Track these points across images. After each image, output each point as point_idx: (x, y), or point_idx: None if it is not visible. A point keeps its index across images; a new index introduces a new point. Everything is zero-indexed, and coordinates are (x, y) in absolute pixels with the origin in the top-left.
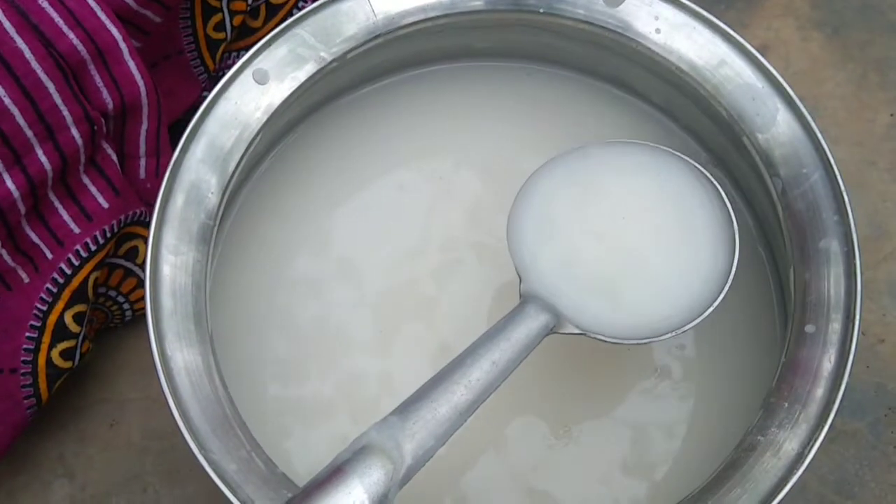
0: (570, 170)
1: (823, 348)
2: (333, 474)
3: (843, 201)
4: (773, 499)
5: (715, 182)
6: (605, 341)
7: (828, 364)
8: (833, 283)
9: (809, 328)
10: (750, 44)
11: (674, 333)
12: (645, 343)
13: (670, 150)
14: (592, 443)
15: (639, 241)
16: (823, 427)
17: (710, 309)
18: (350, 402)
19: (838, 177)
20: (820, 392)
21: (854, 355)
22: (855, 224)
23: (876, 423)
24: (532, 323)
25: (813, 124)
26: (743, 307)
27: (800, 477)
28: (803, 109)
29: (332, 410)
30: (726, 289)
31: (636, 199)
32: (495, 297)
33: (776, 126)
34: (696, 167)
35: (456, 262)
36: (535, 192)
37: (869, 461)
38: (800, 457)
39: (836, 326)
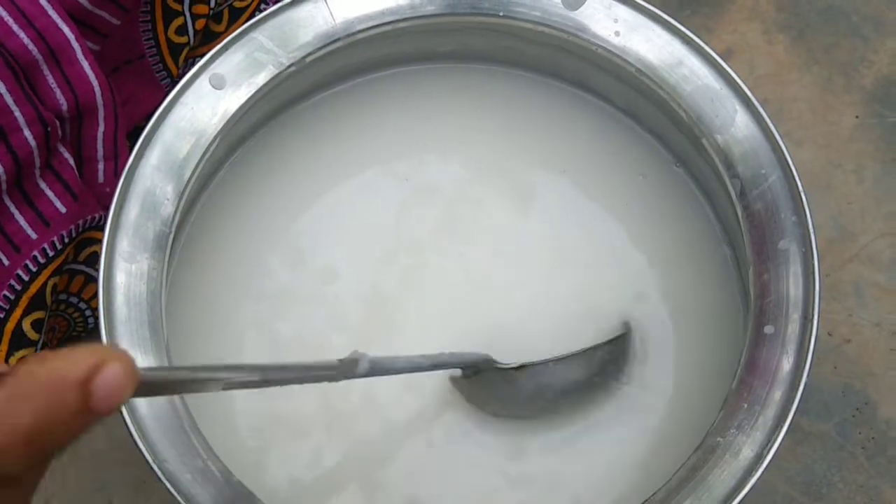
0: None
1: (782, 349)
2: None
3: (801, 202)
4: (731, 502)
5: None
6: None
7: (786, 365)
8: (791, 283)
9: (768, 329)
10: (716, 48)
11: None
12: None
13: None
14: (559, 446)
15: None
16: (781, 429)
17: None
18: (326, 417)
19: (796, 178)
20: (778, 394)
21: (812, 356)
22: (813, 225)
23: (843, 424)
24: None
25: (771, 125)
26: (707, 309)
27: (764, 479)
28: (762, 111)
29: (305, 420)
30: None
31: None
32: (462, 304)
33: (735, 127)
34: None
35: (425, 267)
36: None
37: (837, 462)
38: (758, 459)
39: (794, 327)
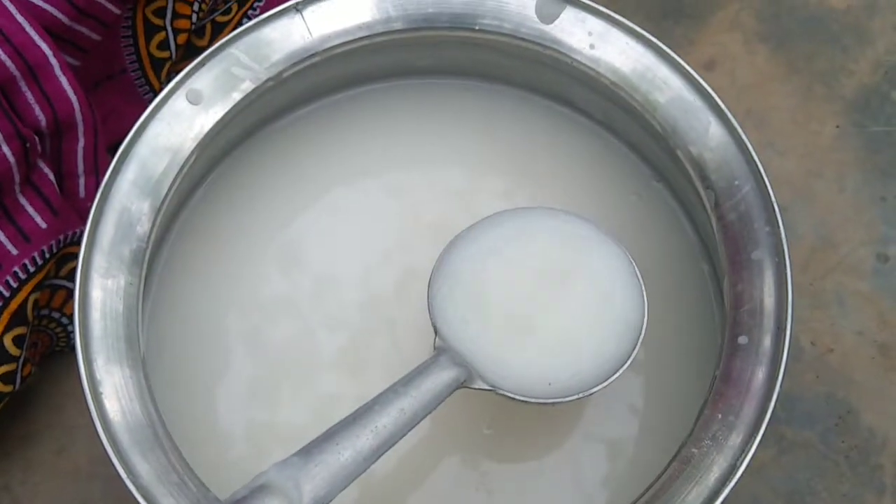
0: (490, 233)
1: (756, 359)
2: None
3: (774, 212)
4: None
5: (623, 249)
6: (514, 399)
7: (760, 375)
8: (765, 294)
9: (742, 339)
10: (697, 59)
11: (581, 395)
12: (551, 403)
13: (581, 217)
14: (536, 455)
15: (551, 303)
16: (755, 439)
17: (619, 373)
18: (319, 427)
19: (769, 188)
20: (753, 404)
21: (786, 366)
22: (786, 235)
23: (827, 433)
24: (443, 374)
25: (744, 136)
26: (686, 320)
27: (747, 489)
28: (734, 122)
29: (296, 431)
30: (634, 353)
31: (550, 263)
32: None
33: (708, 139)
34: (604, 235)
35: (405, 281)
36: (455, 253)
37: (820, 471)
38: (731, 469)
39: (767, 338)
